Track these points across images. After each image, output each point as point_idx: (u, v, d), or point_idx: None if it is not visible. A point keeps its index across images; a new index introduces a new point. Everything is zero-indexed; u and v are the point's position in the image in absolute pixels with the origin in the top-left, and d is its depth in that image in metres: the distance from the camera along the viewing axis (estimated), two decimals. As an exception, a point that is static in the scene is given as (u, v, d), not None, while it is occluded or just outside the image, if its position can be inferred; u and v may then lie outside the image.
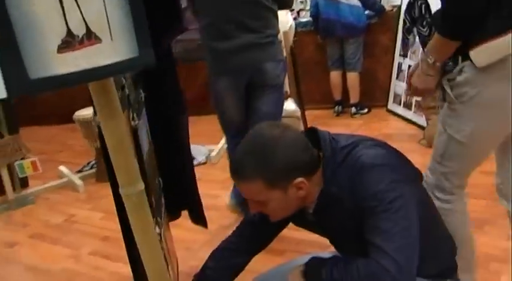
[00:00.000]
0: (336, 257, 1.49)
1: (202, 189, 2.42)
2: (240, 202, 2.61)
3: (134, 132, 1.38)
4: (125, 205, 0.89)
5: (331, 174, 1.44)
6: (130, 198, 0.88)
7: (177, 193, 2.25)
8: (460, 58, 1.66)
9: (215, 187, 3.59)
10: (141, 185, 0.89)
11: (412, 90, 1.85)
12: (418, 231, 1.39)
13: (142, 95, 1.70)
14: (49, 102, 5.57)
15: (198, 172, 2.51)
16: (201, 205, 2.30)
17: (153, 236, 0.96)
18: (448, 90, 1.72)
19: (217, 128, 2.98)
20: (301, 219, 1.59)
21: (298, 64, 4.25)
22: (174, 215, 2.35)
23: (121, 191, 0.88)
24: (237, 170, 1.40)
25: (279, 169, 1.37)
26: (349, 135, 1.57)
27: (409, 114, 4.74)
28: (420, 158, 3.75)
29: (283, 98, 2.86)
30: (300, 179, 1.39)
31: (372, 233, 1.37)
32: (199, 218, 2.35)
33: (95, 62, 0.74)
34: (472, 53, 1.61)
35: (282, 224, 1.71)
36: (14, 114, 4.13)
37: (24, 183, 4.36)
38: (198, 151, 4.44)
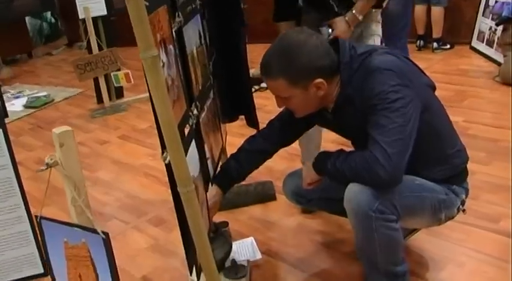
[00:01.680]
0: (341, 150, 1.72)
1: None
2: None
3: (178, 29, 1.66)
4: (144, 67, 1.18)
5: (347, 78, 1.65)
6: (146, 60, 1.17)
7: (234, 98, 2.56)
8: None
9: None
10: (155, 52, 1.18)
11: None
12: (414, 131, 1.58)
13: (198, 2, 1.96)
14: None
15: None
16: (255, 110, 2.58)
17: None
18: None
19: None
20: (322, 118, 1.83)
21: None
22: (231, 118, 2.67)
23: (141, 56, 1.17)
24: (265, 70, 1.66)
25: (300, 69, 1.61)
26: (369, 45, 1.76)
27: (491, 51, 4.65)
28: (489, 94, 3.79)
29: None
30: (319, 80, 1.62)
31: (371, 127, 1.58)
32: (253, 122, 2.64)
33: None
34: None
35: (307, 123, 1.96)
36: (112, 30, 4.61)
37: (119, 93, 4.89)
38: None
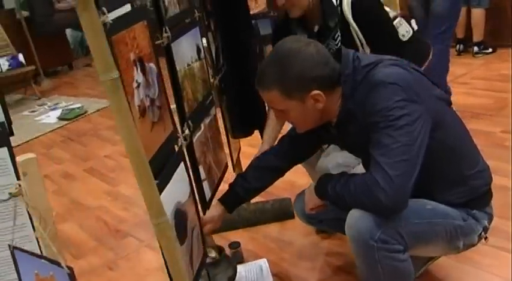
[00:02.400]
0: (343, 173, 1.58)
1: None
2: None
3: (167, 46, 1.57)
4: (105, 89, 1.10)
5: (350, 91, 1.52)
6: (105, 83, 1.08)
7: (247, 113, 2.45)
8: None
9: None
10: (116, 74, 1.09)
11: None
12: (422, 151, 1.42)
13: (197, 15, 1.87)
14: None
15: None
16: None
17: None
18: None
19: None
20: (327, 132, 1.69)
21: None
22: (246, 132, 2.57)
23: (100, 78, 1.09)
24: (258, 80, 1.54)
25: (294, 79, 1.48)
26: (375, 55, 1.61)
27: (536, 55, 4.35)
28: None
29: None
30: (316, 92, 1.49)
31: (373, 147, 1.44)
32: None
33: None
34: None
35: (317, 139, 1.82)
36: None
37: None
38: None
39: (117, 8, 1.22)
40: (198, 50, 1.86)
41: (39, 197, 1.20)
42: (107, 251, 2.65)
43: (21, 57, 6.09)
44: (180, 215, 1.45)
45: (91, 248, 2.72)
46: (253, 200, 2.59)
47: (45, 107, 5.65)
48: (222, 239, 2.46)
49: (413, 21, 2.16)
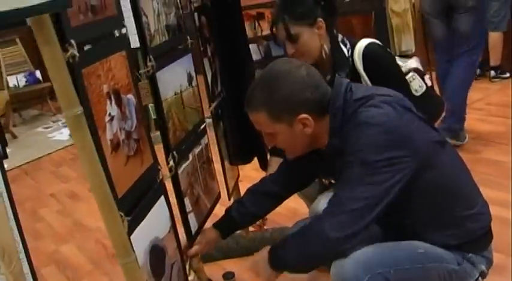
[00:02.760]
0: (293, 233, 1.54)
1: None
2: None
3: (151, 75, 1.53)
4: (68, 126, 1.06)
5: (338, 125, 1.45)
6: (68, 119, 1.04)
7: (246, 140, 2.40)
8: None
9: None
10: (80, 110, 1.05)
11: None
12: (388, 198, 1.36)
13: (190, 42, 1.84)
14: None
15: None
16: (265, 152, 2.42)
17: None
18: None
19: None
20: (322, 160, 1.63)
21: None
22: (245, 160, 2.52)
23: (64, 114, 1.05)
24: (246, 102, 1.49)
25: (282, 102, 1.42)
26: (371, 87, 1.54)
27: (555, 81, 4.22)
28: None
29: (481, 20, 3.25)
30: (304, 115, 1.43)
31: (338, 182, 1.42)
32: (265, 165, 2.48)
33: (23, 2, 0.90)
34: None
35: (312, 168, 1.74)
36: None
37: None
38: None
39: (90, 39, 1.19)
40: (190, 78, 1.83)
41: (4, 233, 1.16)
42: (101, 276, 2.61)
43: (38, 74, 6.16)
44: (156, 251, 1.41)
45: (87, 272, 2.68)
46: (252, 228, 2.55)
47: (59, 123, 5.69)
48: (218, 268, 2.40)
49: (426, 77, 2.10)
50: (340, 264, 1.38)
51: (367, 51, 1.88)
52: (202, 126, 1.93)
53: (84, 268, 2.73)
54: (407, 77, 1.98)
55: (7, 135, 5.05)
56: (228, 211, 1.82)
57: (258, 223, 2.44)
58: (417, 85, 1.99)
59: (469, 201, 1.50)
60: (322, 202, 1.94)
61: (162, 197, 1.48)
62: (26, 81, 6.10)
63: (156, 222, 1.42)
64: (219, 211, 1.97)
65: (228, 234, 1.82)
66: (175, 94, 1.69)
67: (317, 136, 1.49)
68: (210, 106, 2.11)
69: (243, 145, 2.42)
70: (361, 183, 1.35)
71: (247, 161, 2.52)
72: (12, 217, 1.98)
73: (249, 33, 4.29)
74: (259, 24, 4.48)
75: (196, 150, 1.86)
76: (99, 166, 1.10)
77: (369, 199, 1.34)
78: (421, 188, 1.41)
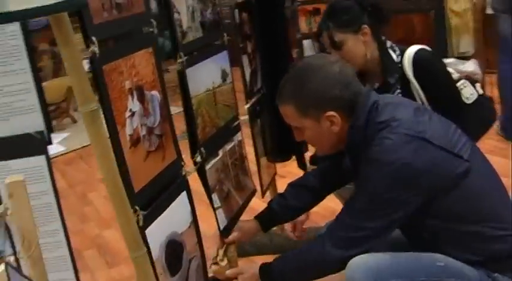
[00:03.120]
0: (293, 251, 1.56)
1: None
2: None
3: (181, 72, 1.56)
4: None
5: (357, 143, 1.43)
6: (84, 115, 1.08)
7: (285, 138, 2.40)
8: None
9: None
10: (96, 105, 1.08)
11: None
12: (390, 230, 1.41)
13: (226, 38, 1.85)
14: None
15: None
16: (303, 152, 2.42)
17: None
18: None
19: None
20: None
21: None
22: (283, 157, 2.52)
23: (79, 109, 1.09)
24: (278, 94, 1.49)
25: (310, 97, 1.41)
26: (397, 106, 1.46)
27: None
28: None
29: None
30: (331, 113, 1.41)
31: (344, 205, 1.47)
32: (303, 164, 2.47)
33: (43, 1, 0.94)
34: None
35: (346, 174, 1.73)
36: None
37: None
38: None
39: (111, 37, 1.22)
40: (224, 74, 1.84)
41: (24, 218, 1.22)
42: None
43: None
44: (174, 245, 1.43)
45: (124, 258, 2.75)
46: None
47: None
48: (249, 263, 2.41)
49: (478, 85, 2.02)
50: (353, 268, 1.36)
51: (418, 57, 1.84)
52: (236, 123, 1.93)
53: (123, 253, 2.81)
54: (458, 85, 1.91)
55: (67, 120, 5.27)
56: (270, 203, 1.82)
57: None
58: (468, 93, 1.92)
59: (499, 222, 1.42)
60: None
61: (184, 193, 1.50)
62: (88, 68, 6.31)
63: (176, 217, 1.44)
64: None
65: (268, 227, 1.81)
66: (207, 91, 1.70)
67: (344, 136, 1.46)
68: (246, 103, 2.12)
69: (281, 142, 2.41)
70: (364, 213, 1.37)
71: (286, 158, 2.51)
72: (55, 204, 2.06)
73: (305, 28, 4.26)
74: (314, 20, 4.43)
75: (228, 146, 1.87)
76: (112, 161, 1.13)
77: (368, 230, 1.36)
78: (438, 209, 1.37)
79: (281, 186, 2.94)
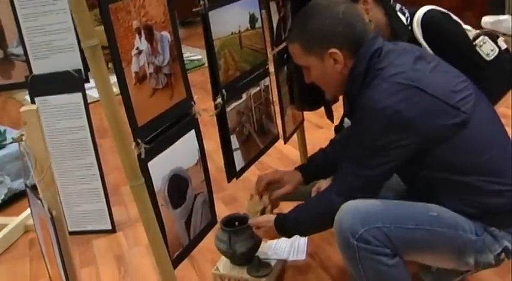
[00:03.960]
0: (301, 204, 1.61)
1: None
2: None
3: (203, 14, 1.61)
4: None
5: (356, 91, 1.45)
6: (85, 50, 1.15)
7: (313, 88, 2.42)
8: None
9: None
10: (96, 41, 1.16)
11: None
12: (386, 177, 1.45)
13: None
14: None
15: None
16: (329, 102, 2.43)
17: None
18: None
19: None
20: None
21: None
22: (312, 106, 2.54)
23: (82, 44, 1.16)
24: (287, 33, 1.55)
25: (313, 34, 1.46)
26: (403, 53, 1.45)
27: None
28: None
29: None
30: (334, 50, 1.45)
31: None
32: (330, 114, 2.49)
33: None
34: None
35: None
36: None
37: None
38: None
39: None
40: (252, 19, 1.86)
41: (37, 144, 1.32)
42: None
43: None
44: (178, 179, 1.52)
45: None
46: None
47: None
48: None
49: (500, 40, 1.94)
50: (342, 213, 1.40)
51: (426, 18, 1.82)
52: (264, 68, 1.97)
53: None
54: (476, 42, 1.86)
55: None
56: (311, 156, 1.89)
57: None
58: (488, 49, 1.86)
59: (497, 176, 1.41)
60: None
61: (193, 131, 1.57)
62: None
63: (182, 153, 1.53)
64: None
65: (310, 179, 1.86)
66: (232, 34, 1.74)
67: (346, 75, 1.48)
68: (272, 50, 2.14)
69: (309, 90, 2.42)
70: (360, 161, 1.40)
71: (313, 107, 2.53)
72: (90, 139, 2.17)
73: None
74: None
75: (253, 90, 1.92)
76: (113, 95, 1.21)
77: (366, 177, 1.41)
78: (433, 159, 1.39)
79: (320, 136, 2.99)
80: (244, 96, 1.88)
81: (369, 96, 1.37)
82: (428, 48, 1.82)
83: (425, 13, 1.82)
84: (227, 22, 1.74)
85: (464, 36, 1.85)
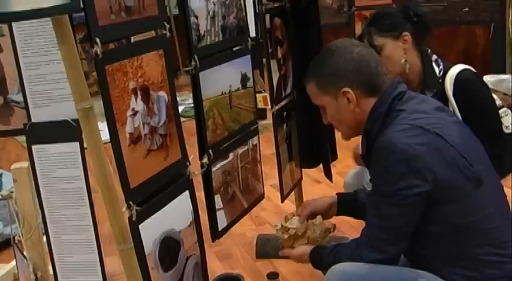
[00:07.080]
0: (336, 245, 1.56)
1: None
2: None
3: (194, 74, 1.60)
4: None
5: (375, 132, 1.44)
6: (79, 112, 1.14)
7: (313, 146, 2.41)
8: None
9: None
10: (90, 103, 1.14)
11: None
12: (409, 226, 1.39)
13: (250, 43, 1.88)
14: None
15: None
16: (329, 161, 2.41)
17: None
18: None
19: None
20: None
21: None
22: (310, 164, 2.52)
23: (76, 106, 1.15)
24: (306, 73, 1.57)
25: (327, 74, 1.49)
26: (423, 100, 1.47)
27: None
28: None
29: None
30: (346, 89, 1.46)
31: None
32: (328, 173, 2.47)
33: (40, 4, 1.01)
34: None
35: None
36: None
37: (262, 115, 4.95)
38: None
39: (117, 39, 1.28)
40: (244, 79, 1.86)
41: (26, 202, 1.30)
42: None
43: (163, 52, 6.53)
44: (169, 242, 1.47)
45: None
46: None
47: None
48: (269, 265, 2.44)
49: None
50: (330, 275, 1.42)
51: (460, 77, 1.81)
52: (253, 127, 1.96)
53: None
54: (499, 112, 1.85)
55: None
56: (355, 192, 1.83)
57: None
58: (509, 122, 1.86)
59: (500, 247, 1.38)
60: (350, 174, 2.18)
61: (187, 192, 1.54)
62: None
63: (175, 215, 1.49)
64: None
65: (343, 208, 1.78)
66: (222, 94, 1.73)
67: (359, 114, 1.48)
68: (272, 108, 2.13)
69: (309, 148, 2.41)
70: (380, 215, 1.39)
71: (312, 165, 2.52)
72: (85, 190, 2.15)
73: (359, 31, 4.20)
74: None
75: (241, 150, 1.90)
76: (103, 157, 1.18)
77: (390, 229, 1.38)
78: (440, 219, 1.36)
79: (318, 191, 2.95)
80: (231, 156, 1.86)
81: (388, 136, 1.36)
82: (455, 105, 1.80)
83: (460, 71, 1.81)
84: (218, 82, 1.74)
85: (492, 104, 1.84)
